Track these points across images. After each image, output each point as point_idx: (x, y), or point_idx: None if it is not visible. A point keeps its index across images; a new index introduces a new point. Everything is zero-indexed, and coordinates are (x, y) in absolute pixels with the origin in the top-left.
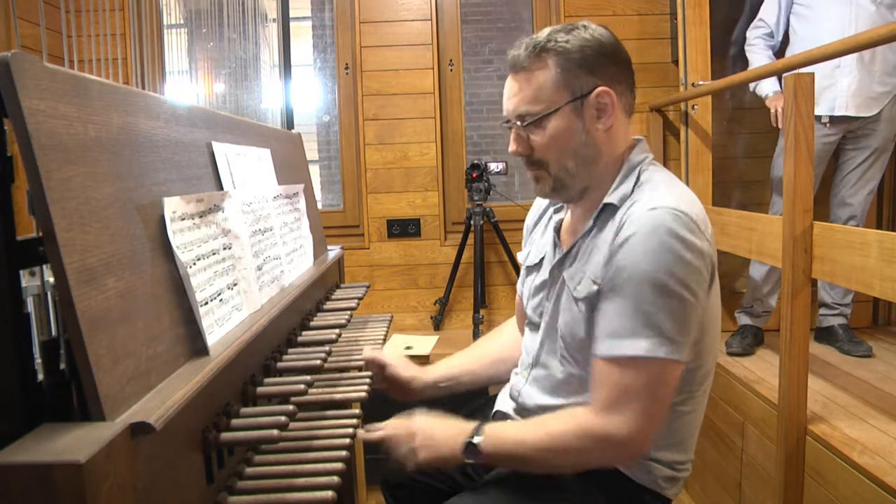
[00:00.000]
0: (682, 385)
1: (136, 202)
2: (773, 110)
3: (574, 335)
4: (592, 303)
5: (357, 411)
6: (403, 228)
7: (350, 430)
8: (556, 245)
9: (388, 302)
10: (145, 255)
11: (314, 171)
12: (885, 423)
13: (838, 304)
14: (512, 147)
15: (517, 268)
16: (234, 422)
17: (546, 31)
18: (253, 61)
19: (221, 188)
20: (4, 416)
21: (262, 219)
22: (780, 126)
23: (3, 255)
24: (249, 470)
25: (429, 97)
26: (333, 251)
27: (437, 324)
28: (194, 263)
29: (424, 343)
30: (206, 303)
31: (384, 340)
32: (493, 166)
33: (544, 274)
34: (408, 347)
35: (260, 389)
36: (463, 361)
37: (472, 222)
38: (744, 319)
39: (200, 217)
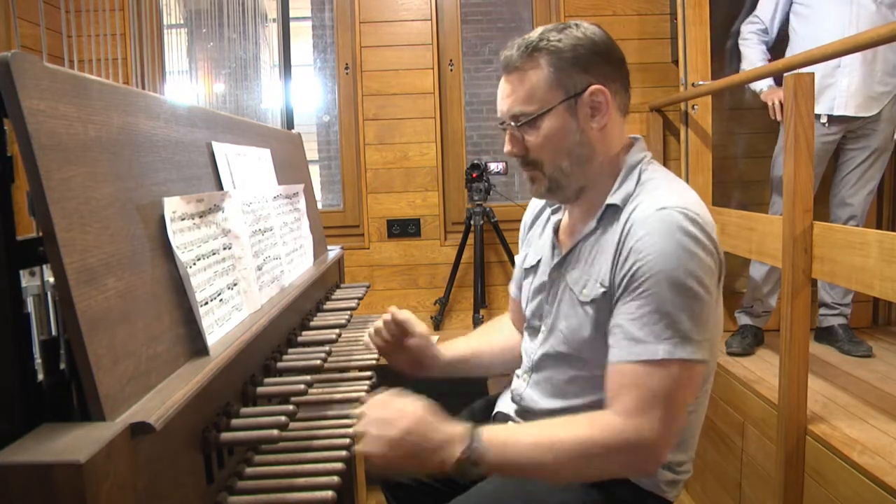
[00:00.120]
0: None
1: (136, 202)
2: (769, 104)
3: (579, 337)
4: (600, 305)
5: (358, 410)
6: (403, 228)
7: (350, 430)
8: (554, 246)
9: (388, 302)
10: (145, 255)
11: (314, 171)
12: (885, 423)
13: (838, 304)
14: (507, 148)
15: None
16: (234, 422)
17: (538, 30)
18: (253, 61)
19: (221, 188)
20: (4, 416)
21: (262, 219)
22: (778, 118)
23: (3, 255)
24: (249, 470)
25: (429, 97)
26: (333, 251)
27: (438, 324)
28: (194, 263)
29: None
30: (206, 303)
31: None
32: (493, 166)
33: (543, 276)
34: None
35: (260, 389)
36: (473, 344)
37: (472, 222)
38: (744, 319)
39: (200, 217)
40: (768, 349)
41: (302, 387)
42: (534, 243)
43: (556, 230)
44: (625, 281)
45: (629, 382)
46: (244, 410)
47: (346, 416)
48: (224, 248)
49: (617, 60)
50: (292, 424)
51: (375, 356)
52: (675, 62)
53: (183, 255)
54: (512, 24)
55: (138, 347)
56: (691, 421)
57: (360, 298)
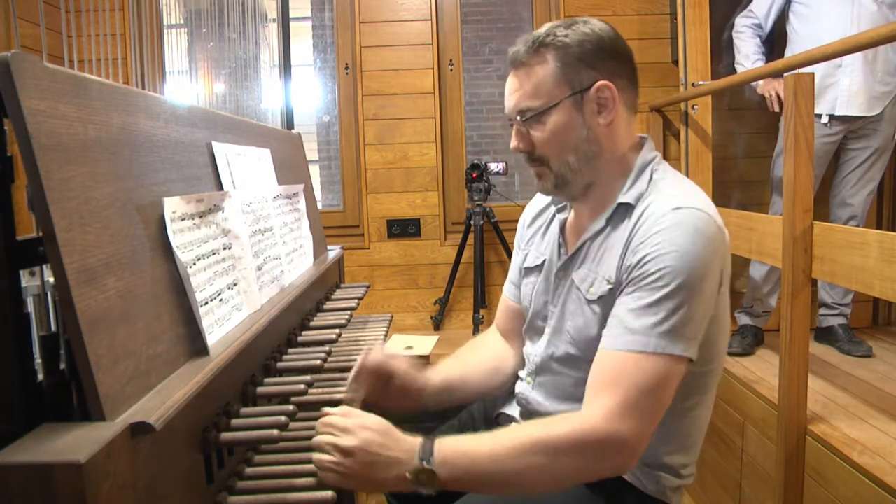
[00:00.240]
0: (695, 387)
1: (136, 202)
2: (766, 95)
3: (586, 337)
4: (607, 302)
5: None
6: (403, 228)
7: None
8: (560, 246)
9: (388, 302)
10: (145, 255)
11: (314, 171)
12: (885, 423)
13: (838, 304)
14: (513, 143)
15: None
16: (234, 422)
17: (546, 26)
18: (253, 61)
19: (221, 188)
20: (4, 416)
21: (262, 219)
22: (775, 110)
23: (3, 255)
24: (249, 470)
25: (429, 97)
26: (333, 251)
27: (437, 324)
28: (194, 263)
29: (424, 343)
30: (206, 303)
31: (384, 340)
32: (493, 166)
33: (547, 277)
34: (408, 347)
35: (260, 389)
36: (460, 366)
37: (472, 222)
38: (744, 319)
39: (200, 217)
40: (768, 349)
41: (302, 387)
42: (536, 243)
43: (561, 229)
44: (630, 272)
45: (614, 373)
46: (244, 410)
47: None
48: (224, 248)
49: (625, 57)
50: (292, 424)
51: None
52: (675, 62)
53: (183, 255)
54: (512, 24)
55: (138, 347)
56: (700, 424)
57: (360, 298)
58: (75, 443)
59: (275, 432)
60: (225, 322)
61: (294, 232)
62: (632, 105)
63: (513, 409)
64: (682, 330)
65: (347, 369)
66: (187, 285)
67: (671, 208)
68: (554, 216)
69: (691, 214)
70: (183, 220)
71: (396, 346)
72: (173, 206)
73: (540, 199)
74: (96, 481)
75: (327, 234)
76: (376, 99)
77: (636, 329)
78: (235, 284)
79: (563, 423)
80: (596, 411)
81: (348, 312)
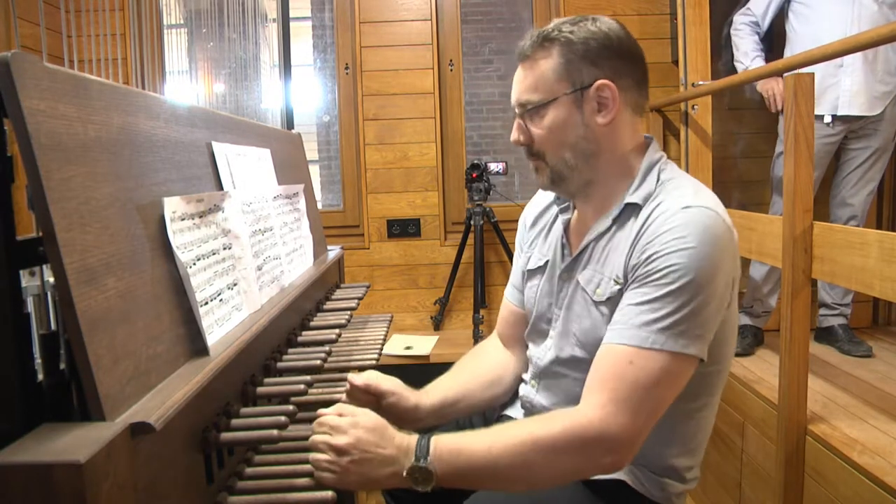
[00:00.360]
0: (703, 388)
1: (136, 202)
2: (766, 94)
3: (594, 338)
4: (615, 302)
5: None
6: (403, 228)
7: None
8: (564, 247)
9: (388, 302)
10: (145, 255)
11: (314, 171)
12: (885, 423)
13: (838, 304)
14: (513, 136)
15: None
16: (234, 422)
17: (554, 21)
18: (253, 61)
19: (221, 188)
20: (4, 416)
21: (262, 219)
22: (776, 109)
23: (3, 255)
24: (249, 470)
25: (429, 97)
26: (333, 251)
27: (437, 324)
28: (194, 263)
29: (424, 343)
30: (206, 303)
31: (384, 340)
32: (493, 166)
33: (550, 278)
34: (408, 347)
35: (260, 389)
36: (461, 382)
37: (472, 222)
38: (744, 319)
39: (200, 217)
40: (768, 349)
41: (302, 387)
42: (539, 245)
43: (565, 230)
44: (637, 268)
45: (612, 368)
46: (244, 410)
47: None
48: (224, 248)
49: (631, 57)
50: (292, 424)
51: (376, 356)
52: (675, 62)
53: (183, 255)
54: (512, 24)
55: (138, 347)
56: (706, 425)
57: (360, 298)
58: (75, 443)
59: (275, 432)
60: (225, 322)
61: (294, 232)
62: (637, 106)
63: (516, 412)
64: (687, 327)
65: (347, 369)
66: (187, 285)
67: (681, 207)
68: (556, 217)
69: (701, 213)
70: (183, 220)
71: (396, 347)
72: (173, 206)
73: (540, 199)
74: (96, 481)
75: (327, 234)
76: (376, 99)
77: (637, 324)
78: (235, 284)
79: (559, 420)
80: (591, 407)
81: (348, 312)
